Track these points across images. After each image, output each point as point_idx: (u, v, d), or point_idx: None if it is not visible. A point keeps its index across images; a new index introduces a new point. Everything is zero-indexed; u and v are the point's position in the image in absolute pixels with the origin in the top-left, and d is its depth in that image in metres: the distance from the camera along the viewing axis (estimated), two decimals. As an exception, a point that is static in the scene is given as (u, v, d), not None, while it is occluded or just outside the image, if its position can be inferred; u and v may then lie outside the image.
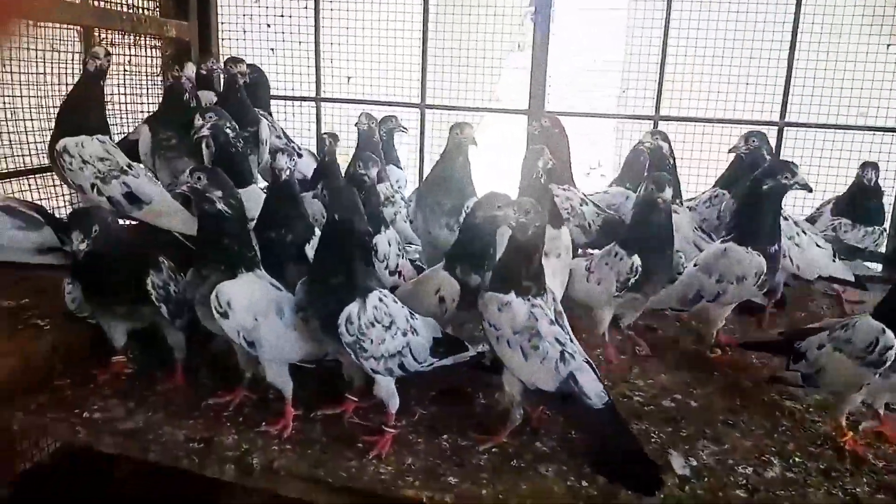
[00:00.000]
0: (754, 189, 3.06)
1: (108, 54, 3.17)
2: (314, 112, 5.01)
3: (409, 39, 4.83)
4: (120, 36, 4.01)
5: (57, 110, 3.26)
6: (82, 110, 3.18)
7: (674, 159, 3.87)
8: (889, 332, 2.47)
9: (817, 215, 4.28)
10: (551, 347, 2.42)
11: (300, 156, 4.06)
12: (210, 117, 3.25)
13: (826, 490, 2.46)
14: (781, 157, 4.43)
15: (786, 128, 4.50)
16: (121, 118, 4.32)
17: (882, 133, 4.43)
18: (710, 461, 2.59)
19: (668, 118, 4.59)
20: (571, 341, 2.52)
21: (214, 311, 2.39)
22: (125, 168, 3.25)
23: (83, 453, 2.61)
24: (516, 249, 2.47)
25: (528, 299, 2.45)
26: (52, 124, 3.30)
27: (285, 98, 5.01)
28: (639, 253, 2.97)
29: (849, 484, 2.50)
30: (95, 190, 3.15)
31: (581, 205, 3.97)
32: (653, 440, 2.68)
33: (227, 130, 3.30)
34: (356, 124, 4.17)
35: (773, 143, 4.46)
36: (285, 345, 2.53)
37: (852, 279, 3.69)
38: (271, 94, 4.92)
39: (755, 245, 3.04)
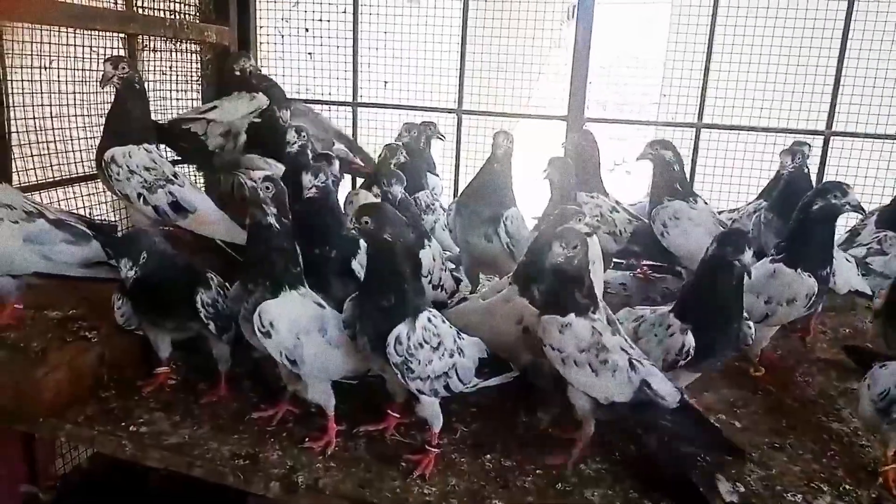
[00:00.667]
0: (805, 209, 2.98)
1: (118, 65, 3.15)
2: (351, 116, 5.00)
3: (446, 44, 4.79)
4: (162, 42, 4.04)
5: (103, 119, 3.27)
6: (128, 120, 3.19)
7: (681, 164, 3.84)
8: None
9: (861, 227, 4.16)
10: (620, 358, 2.39)
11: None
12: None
13: (879, 521, 2.41)
14: (827, 167, 4.33)
15: (832, 137, 4.39)
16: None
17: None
18: (758, 487, 2.54)
19: (711, 126, 4.51)
20: (633, 347, 2.50)
21: (257, 331, 2.40)
22: (171, 177, 3.27)
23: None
24: (566, 278, 2.43)
25: (587, 316, 2.42)
26: (98, 133, 3.32)
27: (322, 102, 5.00)
28: (697, 326, 2.55)
29: (901, 515, 2.44)
30: (142, 199, 3.17)
31: (612, 212, 3.95)
32: (698, 462, 2.64)
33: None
34: (398, 138, 4.18)
35: (818, 152, 4.40)
36: (328, 363, 2.53)
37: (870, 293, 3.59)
38: (309, 99, 4.97)
39: (806, 267, 2.97)
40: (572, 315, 2.40)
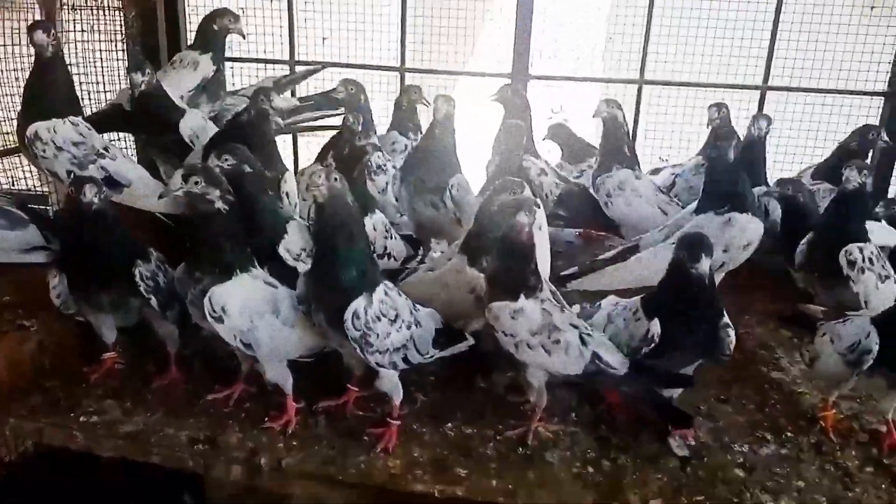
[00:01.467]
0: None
1: (50, 31, 2.93)
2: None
3: (386, -4, 4.64)
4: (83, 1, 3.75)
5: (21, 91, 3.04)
6: (50, 92, 2.97)
7: (627, 126, 3.88)
8: (873, 336, 2.49)
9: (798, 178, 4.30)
10: (571, 335, 2.42)
11: None
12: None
13: (819, 466, 2.56)
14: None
15: (768, 92, 4.48)
16: (89, 94, 4.07)
17: (863, 97, 4.43)
18: (708, 439, 2.67)
19: (652, 82, 4.52)
20: (578, 318, 2.54)
21: (208, 316, 2.32)
22: (102, 151, 3.07)
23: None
24: (516, 252, 2.42)
25: (536, 296, 2.43)
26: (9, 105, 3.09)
27: (257, 61, 4.77)
28: (663, 321, 2.49)
29: (840, 458, 2.60)
30: (72, 176, 2.98)
31: (539, 175, 3.92)
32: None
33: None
34: (335, 91, 4.04)
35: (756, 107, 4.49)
36: (283, 343, 2.48)
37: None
38: (243, 56, 4.74)
39: (753, 211, 3.09)
40: (522, 298, 2.40)
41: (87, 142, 3.03)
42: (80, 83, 3.85)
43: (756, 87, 4.48)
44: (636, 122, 4.55)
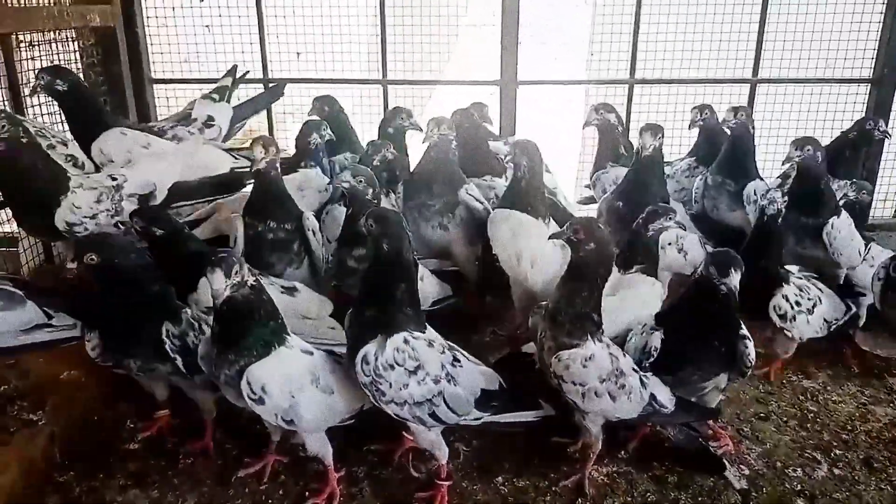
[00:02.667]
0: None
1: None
2: (263, 94, 4.52)
3: (362, 7, 4.40)
4: (41, 35, 3.41)
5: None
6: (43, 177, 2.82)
7: (622, 126, 3.91)
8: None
9: (791, 171, 4.28)
10: (634, 380, 2.34)
11: None
12: (42, 77, 3.06)
13: (875, 486, 2.53)
14: (755, 114, 4.37)
15: (758, 84, 4.44)
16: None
17: (850, 84, 4.44)
18: (760, 465, 2.61)
19: (643, 81, 4.44)
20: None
21: (247, 399, 2.13)
22: (117, 182, 2.98)
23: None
24: (583, 279, 2.28)
25: (601, 339, 2.31)
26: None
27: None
28: (671, 331, 2.48)
29: (893, 475, 2.58)
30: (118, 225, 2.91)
31: None
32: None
33: (59, 87, 3.10)
34: (309, 113, 3.82)
35: (745, 100, 4.45)
36: (325, 412, 2.30)
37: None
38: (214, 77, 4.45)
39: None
40: (590, 341, 2.28)
41: (99, 188, 2.86)
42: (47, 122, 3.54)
43: (746, 81, 4.45)
44: (627, 121, 4.46)
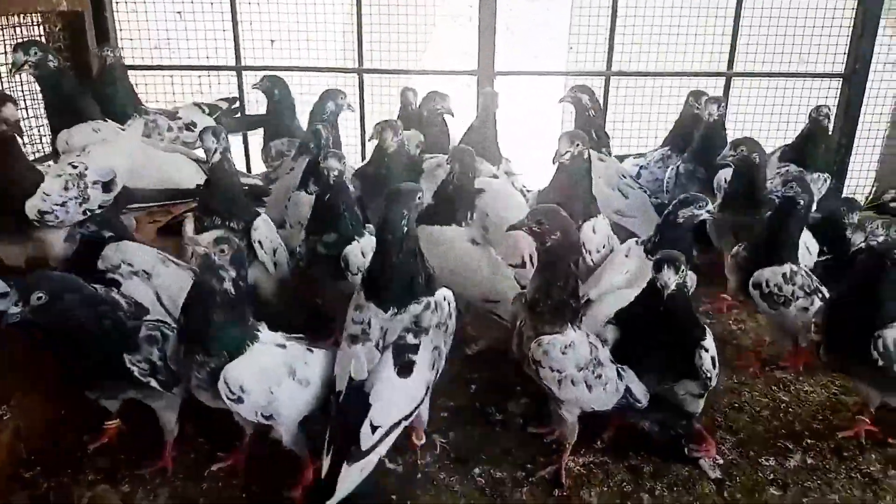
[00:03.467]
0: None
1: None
2: (235, 82, 4.44)
3: (337, -6, 4.35)
4: (4, 19, 3.30)
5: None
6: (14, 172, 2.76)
7: (596, 112, 3.88)
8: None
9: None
10: (611, 370, 2.34)
11: None
12: (34, 52, 2.96)
13: (845, 474, 2.57)
14: (729, 107, 4.41)
15: (733, 78, 4.48)
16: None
17: (823, 79, 4.50)
18: (734, 455, 2.63)
19: (620, 73, 4.46)
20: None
21: (226, 400, 2.09)
22: (81, 172, 2.91)
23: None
24: (557, 268, 2.26)
25: (580, 326, 2.31)
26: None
27: (201, 68, 4.41)
28: (633, 334, 2.47)
29: (862, 464, 2.62)
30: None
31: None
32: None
33: (51, 64, 3.03)
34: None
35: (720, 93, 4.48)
36: (302, 404, 2.27)
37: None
38: (186, 64, 4.37)
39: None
40: (570, 329, 2.27)
41: (64, 175, 2.82)
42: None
43: (721, 74, 4.48)
44: (605, 112, 4.47)
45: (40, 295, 2.06)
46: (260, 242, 2.92)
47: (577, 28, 4.43)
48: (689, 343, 2.41)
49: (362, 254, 2.84)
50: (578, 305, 2.33)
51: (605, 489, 2.45)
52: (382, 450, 2.18)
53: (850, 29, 4.37)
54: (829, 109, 3.96)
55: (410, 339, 2.25)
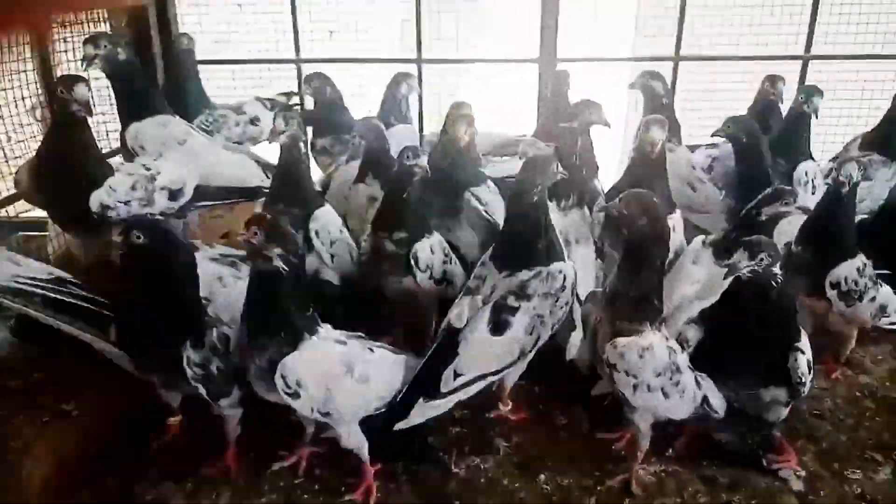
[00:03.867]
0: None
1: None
2: (294, 76, 4.43)
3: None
4: (71, 16, 3.35)
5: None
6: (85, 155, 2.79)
7: (667, 99, 3.71)
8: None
9: (845, 153, 4.08)
10: (689, 377, 2.22)
11: None
12: (103, 45, 2.91)
13: None
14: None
15: (811, 61, 4.22)
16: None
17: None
18: (817, 467, 2.47)
19: (687, 58, 4.25)
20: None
21: (282, 393, 2.06)
22: (152, 174, 2.93)
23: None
24: (646, 260, 2.16)
25: (660, 330, 2.19)
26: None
27: (260, 62, 4.41)
28: (711, 330, 2.33)
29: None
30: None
31: None
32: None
33: (120, 56, 2.98)
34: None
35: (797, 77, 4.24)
36: (361, 403, 2.23)
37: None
38: (245, 58, 4.38)
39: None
40: (648, 330, 2.16)
41: (135, 175, 2.83)
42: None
43: (798, 57, 4.23)
44: (673, 98, 4.28)
45: (139, 235, 2.16)
46: (317, 232, 2.89)
47: (645, 10, 4.25)
48: (784, 344, 2.25)
49: (431, 251, 2.80)
50: (661, 305, 2.20)
51: (679, 500, 2.34)
52: (460, 397, 2.32)
53: (943, 6, 4.07)
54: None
55: (511, 301, 2.36)
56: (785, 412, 2.36)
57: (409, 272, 2.76)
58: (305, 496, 2.32)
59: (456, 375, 2.27)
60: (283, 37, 4.35)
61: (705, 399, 2.25)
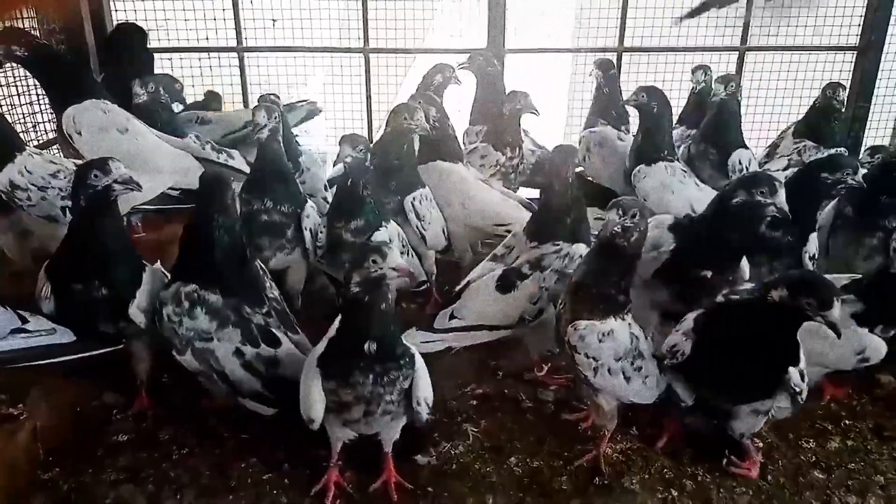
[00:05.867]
0: (723, 197, 2.50)
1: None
2: (237, 64, 4.29)
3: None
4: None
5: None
6: None
7: (616, 88, 3.95)
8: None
9: (779, 140, 4.26)
10: (653, 364, 2.26)
11: None
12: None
13: (889, 455, 2.51)
14: (743, 82, 4.32)
15: (747, 52, 4.38)
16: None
17: (837, 52, 4.41)
18: (773, 437, 2.56)
19: (631, 49, 4.34)
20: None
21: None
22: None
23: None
24: (615, 259, 2.18)
25: (624, 317, 2.22)
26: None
27: (200, 50, 4.25)
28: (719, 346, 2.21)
29: None
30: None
31: None
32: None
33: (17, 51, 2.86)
34: None
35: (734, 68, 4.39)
36: None
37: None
38: (185, 46, 4.21)
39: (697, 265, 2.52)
40: (611, 319, 2.18)
41: (60, 166, 2.60)
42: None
43: (735, 49, 4.38)
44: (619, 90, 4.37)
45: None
46: (310, 230, 2.85)
47: (587, 3, 4.31)
48: (780, 362, 2.15)
49: (389, 240, 2.75)
50: (626, 300, 2.23)
51: (647, 476, 2.38)
52: (452, 344, 2.55)
53: (865, 1, 4.27)
54: (843, 88, 3.89)
55: (525, 268, 2.58)
56: (761, 422, 2.33)
57: None
58: (274, 491, 2.25)
59: (451, 317, 2.51)
60: (224, 24, 4.21)
61: (670, 387, 2.30)
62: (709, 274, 2.47)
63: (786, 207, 2.38)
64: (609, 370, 2.20)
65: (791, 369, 2.15)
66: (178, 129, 3.49)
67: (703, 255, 2.51)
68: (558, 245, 2.59)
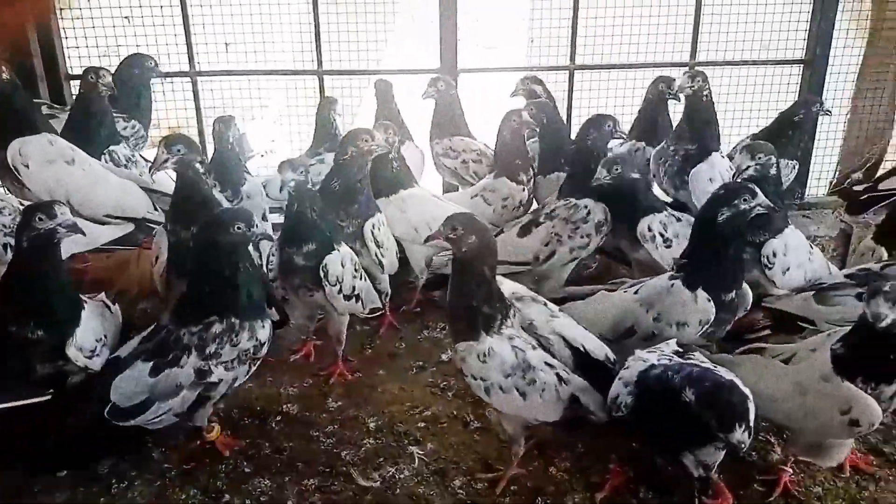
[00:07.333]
0: (708, 220, 2.50)
1: None
2: (190, 88, 4.29)
3: (291, -7, 4.21)
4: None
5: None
6: None
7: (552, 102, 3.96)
8: None
9: (733, 153, 4.31)
10: (547, 375, 2.20)
11: None
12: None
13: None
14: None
15: (696, 68, 4.44)
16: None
17: (785, 65, 4.50)
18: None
19: (583, 67, 4.39)
20: (555, 356, 2.27)
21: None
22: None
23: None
24: (462, 272, 2.22)
25: (501, 331, 2.22)
26: None
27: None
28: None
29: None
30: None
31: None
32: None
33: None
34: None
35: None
36: None
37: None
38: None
39: (708, 289, 2.50)
40: (487, 339, 2.19)
41: (6, 203, 2.61)
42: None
43: (684, 64, 4.44)
44: (570, 107, 4.44)
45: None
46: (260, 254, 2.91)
47: (538, 22, 4.36)
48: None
49: (342, 264, 2.78)
50: (494, 311, 2.23)
51: (588, 494, 2.39)
52: None
53: (810, 15, 4.36)
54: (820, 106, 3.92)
55: (542, 218, 3.23)
56: (721, 455, 2.13)
57: (319, 286, 2.75)
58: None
59: None
60: (177, 49, 4.20)
61: (574, 398, 2.21)
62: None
63: (768, 201, 2.48)
64: (501, 388, 2.19)
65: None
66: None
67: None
68: (580, 202, 3.16)
